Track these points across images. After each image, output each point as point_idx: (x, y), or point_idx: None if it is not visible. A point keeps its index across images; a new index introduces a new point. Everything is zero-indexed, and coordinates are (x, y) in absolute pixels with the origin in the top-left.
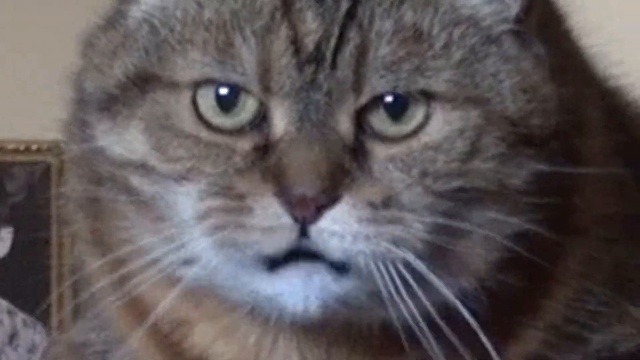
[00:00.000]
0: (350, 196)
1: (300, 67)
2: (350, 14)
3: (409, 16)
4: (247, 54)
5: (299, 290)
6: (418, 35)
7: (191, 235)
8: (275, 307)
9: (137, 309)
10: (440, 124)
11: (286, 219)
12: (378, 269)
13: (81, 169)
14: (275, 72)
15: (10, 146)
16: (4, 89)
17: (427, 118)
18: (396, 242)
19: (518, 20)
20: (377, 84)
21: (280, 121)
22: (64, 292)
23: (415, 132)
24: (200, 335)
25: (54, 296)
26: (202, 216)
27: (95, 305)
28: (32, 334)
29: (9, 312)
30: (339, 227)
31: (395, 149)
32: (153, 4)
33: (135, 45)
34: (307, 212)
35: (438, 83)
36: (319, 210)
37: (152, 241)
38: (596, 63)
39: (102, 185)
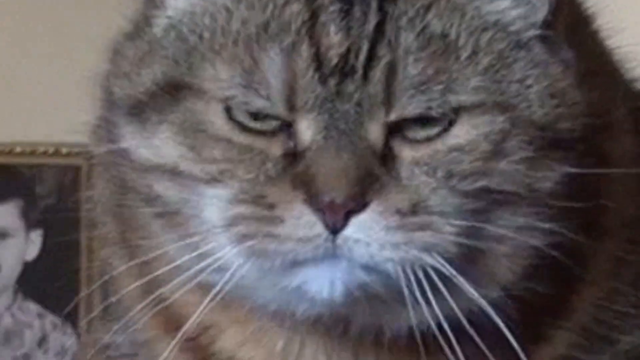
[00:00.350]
0: (378, 203)
1: (323, 80)
2: (380, 29)
3: (435, 25)
4: (273, 78)
5: (326, 274)
6: (446, 45)
7: (218, 243)
8: (301, 296)
9: (166, 314)
10: (466, 128)
11: (319, 228)
12: (406, 274)
13: (108, 172)
14: (299, 90)
15: (41, 149)
16: (34, 92)
17: (453, 122)
18: (426, 248)
19: (546, 23)
20: (409, 103)
21: (306, 131)
22: (93, 295)
23: (440, 135)
24: (228, 340)
25: (82, 298)
26: (230, 223)
27: (122, 308)
28: (62, 337)
29: (39, 315)
30: (364, 235)
31: (421, 152)
32: (181, 9)
33: (163, 53)
34: (337, 217)
35: (466, 94)
36: (347, 215)
37: (178, 250)
38: (624, 65)
39: (126, 193)
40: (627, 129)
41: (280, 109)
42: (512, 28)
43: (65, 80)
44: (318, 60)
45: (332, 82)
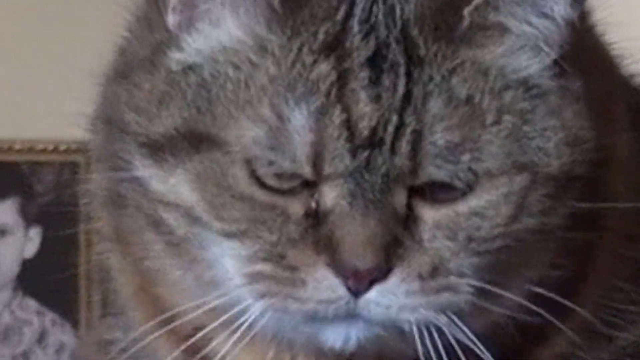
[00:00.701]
0: (401, 269)
1: (353, 152)
2: (407, 97)
3: (460, 89)
4: (300, 140)
5: (342, 330)
6: (471, 110)
7: (234, 290)
8: (312, 341)
9: (158, 308)
10: (486, 189)
11: (341, 291)
12: (420, 332)
13: (104, 166)
14: (327, 157)
15: (39, 146)
16: (32, 89)
17: (474, 184)
18: (443, 308)
19: (558, 64)
20: (435, 173)
21: (330, 194)
22: (92, 292)
23: (461, 197)
24: (220, 344)
25: (81, 295)
26: (250, 278)
27: (119, 305)
28: (61, 334)
29: (38, 312)
30: (386, 300)
31: (442, 213)
32: (201, 52)
33: (182, 96)
34: (361, 284)
35: (491, 159)
36: (371, 282)
37: (184, 278)
38: (621, 60)
39: (125, 207)
40: (625, 127)
41: (306, 171)
42: (533, 81)
43: (64, 76)
44: (349, 129)
45: (362, 154)
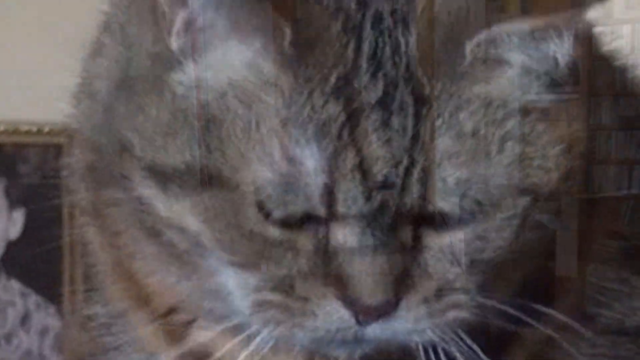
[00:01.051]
0: (408, 298)
1: (367, 195)
2: (415, 136)
3: (466, 123)
4: (313, 181)
5: (347, 349)
6: (477, 143)
7: (239, 310)
8: (317, 354)
9: (136, 289)
10: (490, 215)
11: (350, 322)
12: (426, 351)
13: (85, 139)
14: (341, 198)
15: (23, 128)
16: (16, 71)
17: (478, 211)
18: (449, 326)
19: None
20: (442, 205)
21: (341, 231)
22: (75, 273)
23: (466, 223)
24: (198, 324)
25: (65, 278)
26: (258, 305)
27: (98, 279)
28: (45, 317)
29: (22, 294)
30: (394, 327)
31: (446, 239)
32: (208, 83)
33: (191, 131)
34: (372, 318)
35: (495, 190)
36: (380, 316)
37: (182, 285)
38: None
39: (105, 187)
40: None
41: (320, 211)
42: (533, 105)
43: (48, 59)
44: (362, 172)
45: (375, 198)
